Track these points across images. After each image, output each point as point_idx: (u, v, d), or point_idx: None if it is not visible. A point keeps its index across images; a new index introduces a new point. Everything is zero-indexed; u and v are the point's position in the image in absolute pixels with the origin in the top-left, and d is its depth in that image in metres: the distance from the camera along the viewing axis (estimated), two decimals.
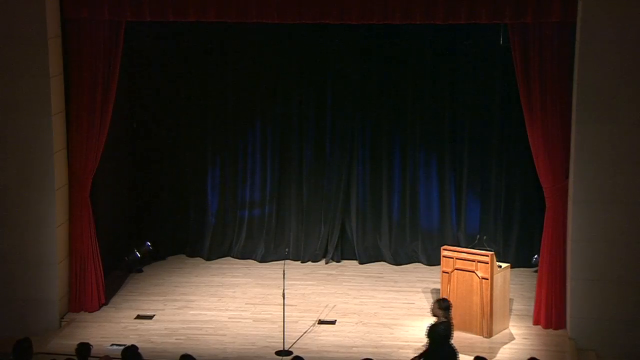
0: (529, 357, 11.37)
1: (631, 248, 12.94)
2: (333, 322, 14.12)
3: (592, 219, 12.99)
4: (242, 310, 14.62)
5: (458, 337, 13.42)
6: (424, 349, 11.96)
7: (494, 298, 13.36)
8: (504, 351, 13.15)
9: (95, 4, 13.53)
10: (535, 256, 15.05)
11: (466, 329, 13.57)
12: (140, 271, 16.20)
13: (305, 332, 13.74)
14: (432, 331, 11.67)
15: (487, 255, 13.37)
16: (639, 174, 12.84)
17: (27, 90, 13.47)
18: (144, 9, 13.51)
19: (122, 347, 11.32)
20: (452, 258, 13.65)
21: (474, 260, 13.46)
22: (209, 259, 16.76)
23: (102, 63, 13.82)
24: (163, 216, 16.90)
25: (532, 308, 14.04)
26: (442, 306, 11.76)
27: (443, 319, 11.71)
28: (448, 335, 11.65)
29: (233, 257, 16.82)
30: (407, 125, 16.29)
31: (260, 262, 16.63)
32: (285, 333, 13.26)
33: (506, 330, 13.74)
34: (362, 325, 14.04)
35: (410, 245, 16.61)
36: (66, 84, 13.92)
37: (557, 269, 13.54)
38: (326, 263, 16.64)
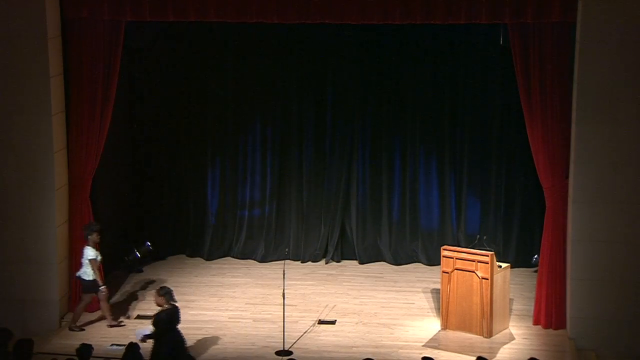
0: (529, 357, 11.37)
1: (631, 248, 12.94)
2: (333, 322, 14.12)
3: (592, 219, 12.99)
4: (242, 310, 14.62)
5: (458, 337, 13.46)
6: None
7: (494, 298, 13.36)
8: (504, 351, 13.15)
9: (95, 4, 13.53)
10: (535, 256, 15.05)
11: (466, 329, 13.57)
12: (140, 271, 16.20)
13: (305, 332, 13.74)
14: (156, 319, 11.89)
15: (487, 255, 13.36)
16: (639, 174, 12.84)
17: (27, 90, 13.47)
18: (144, 9, 13.51)
19: (122, 347, 11.33)
20: (452, 258, 13.65)
21: (474, 260, 13.45)
22: (209, 259, 16.77)
23: (102, 63, 13.82)
24: (163, 216, 16.91)
25: (532, 308, 14.05)
26: (161, 293, 12.00)
27: (167, 306, 11.91)
28: (172, 320, 11.83)
29: (233, 257, 16.82)
30: (407, 125, 16.30)
31: (260, 262, 16.63)
32: (285, 333, 13.27)
33: (506, 330, 13.74)
34: (362, 325, 14.04)
35: (410, 245, 16.61)
36: (66, 84, 13.92)
37: (557, 269, 13.54)
38: (326, 263, 16.64)
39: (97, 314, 14.32)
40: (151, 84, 16.58)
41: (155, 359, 11.68)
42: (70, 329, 13.75)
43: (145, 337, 11.85)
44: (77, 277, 13.82)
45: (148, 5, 13.49)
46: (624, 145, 12.81)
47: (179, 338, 11.97)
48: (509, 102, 15.35)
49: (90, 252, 13.68)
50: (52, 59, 13.51)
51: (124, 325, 13.93)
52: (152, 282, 15.70)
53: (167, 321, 11.85)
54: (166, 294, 11.99)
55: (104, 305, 13.90)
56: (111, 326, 13.87)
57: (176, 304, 12.07)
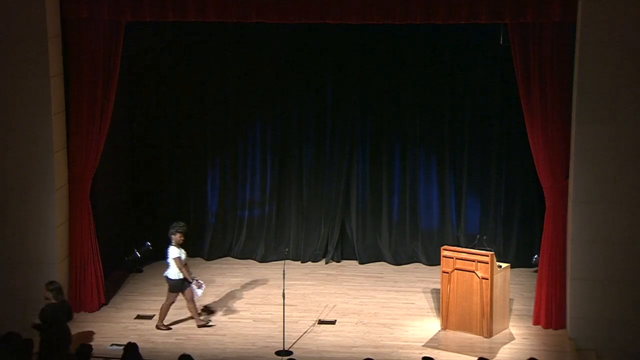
0: (529, 357, 11.37)
1: (631, 248, 12.94)
2: (333, 322, 14.13)
3: (592, 219, 12.99)
4: (242, 310, 14.62)
5: (458, 337, 13.47)
6: None
7: (494, 298, 13.36)
8: (504, 351, 13.15)
9: (95, 4, 13.53)
10: (535, 256, 15.05)
11: (466, 329, 13.57)
12: (141, 271, 16.20)
13: (305, 332, 13.74)
14: (41, 312, 12.02)
15: (487, 255, 13.36)
16: (639, 174, 12.84)
17: (27, 90, 13.48)
18: (144, 9, 13.51)
19: (122, 347, 11.33)
20: (452, 258, 13.65)
21: (474, 260, 13.45)
22: (209, 259, 16.77)
23: (102, 63, 13.83)
24: (163, 216, 16.89)
25: (532, 308, 14.05)
26: (49, 288, 12.14)
27: (54, 301, 12.05)
28: (56, 315, 11.92)
29: (233, 257, 16.82)
30: (407, 125, 16.30)
31: (260, 262, 16.63)
32: (285, 333, 13.27)
33: (506, 330, 13.74)
34: (362, 325, 14.05)
35: (410, 245, 16.61)
36: (66, 84, 13.93)
37: (557, 269, 13.54)
38: (326, 263, 16.64)
39: (97, 314, 14.34)
40: (151, 84, 16.58)
41: (41, 351, 11.77)
42: (157, 328, 13.83)
43: (34, 326, 11.96)
44: (164, 276, 13.88)
45: (148, 5, 13.50)
46: (624, 145, 12.81)
47: (63, 334, 12.02)
48: (509, 102, 15.35)
49: (173, 251, 13.71)
50: (52, 59, 13.51)
51: (213, 325, 13.90)
52: (152, 282, 15.70)
53: (50, 316, 11.94)
54: (54, 289, 12.12)
55: (190, 305, 13.90)
56: (200, 326, 13.85)
57: (65, 300, 12.25)
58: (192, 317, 13.98)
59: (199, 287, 13.79)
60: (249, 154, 16.73)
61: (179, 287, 13.78)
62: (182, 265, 13.72)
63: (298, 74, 16.38)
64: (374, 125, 16.41)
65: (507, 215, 16.17)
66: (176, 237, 13.73)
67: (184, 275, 13.70)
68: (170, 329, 13.87)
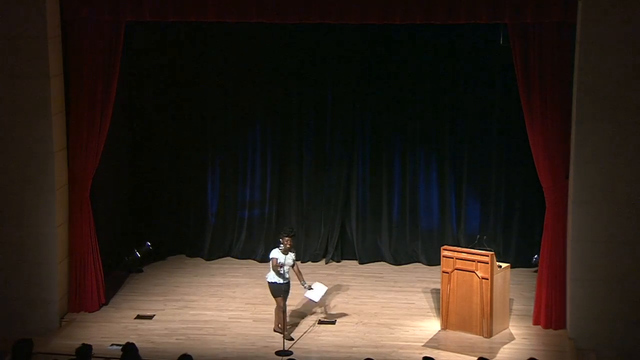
0: (529, 357, 11.37)
1: (631, 248, 12.93)
2: (333, 322, 14.13)
3: (592, 219, 12.99)
4: (242, 310, 14.62)
5: (458, 337, 13.47)
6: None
7: (494, 298, 13.36)
8: (504, 351, 13.15)
9: (95, 4, 13.53)
10: (535, 256, 15.05)
11: (466, 329, 13.57)
12: (140, 271, 16.20)
13: (305, 332, 13.74)
14: None
15: (487, 255, 13.36)
16: (639, 174, 12.84)
17: (27, 90, 13.47)
18: (144, 9, 13.51)
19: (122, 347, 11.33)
20: (452, 258, 13.65)
21: (474, 260, 13.45)
22: (209, 259, 16.77)
23: (102, 63, 13.82)
24: (163, 216, 16.91)
25: (532, 308, 14.04)
26: None
27: None
28: None
29: (233, 257, 16.83)
30: (407, 125, 16.31)
31: (260, 262, 16.61)
32: (285, 333, 13.26)
33: (506, 330, 13.74)
34: (362, 325, 14.04)
35: (410, 245, 16.61)
36: (66, 84, 13.92)
37: (557, 269, 13.54)
38: (326, 263, 16.65)
39: (97, 314, 14.34)
40: (151, 84, 16.59)
41: None
42: (278, 331, 13.52)
43: None
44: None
45: (148, 5, 13.49)
46: (624, 145, 12.81)
47: None
48: (509, 102, 15.35)
49: (272, 252, 13.56)
50: (52, 59, 13.51)
51: (292, 340, 13.43)
52: (152, 282, 15.71)
53: None
54: None
55: (277, 311, 13.64)
56: (285, 337, 13.35)
57: None
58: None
59: (310, 289, 13.56)
60: (249, 154, 16.73)
61: (278, 291, 13.45)
62: (277, 265, 13.38)
63: (298, 74, 16.38)
64: (374, 125, 16.41)
65: (507, 215, 16.17)
66: (283, 240, 13.52)
67: (275, 273, 13.43)
68: (292, 339, 13.53)
